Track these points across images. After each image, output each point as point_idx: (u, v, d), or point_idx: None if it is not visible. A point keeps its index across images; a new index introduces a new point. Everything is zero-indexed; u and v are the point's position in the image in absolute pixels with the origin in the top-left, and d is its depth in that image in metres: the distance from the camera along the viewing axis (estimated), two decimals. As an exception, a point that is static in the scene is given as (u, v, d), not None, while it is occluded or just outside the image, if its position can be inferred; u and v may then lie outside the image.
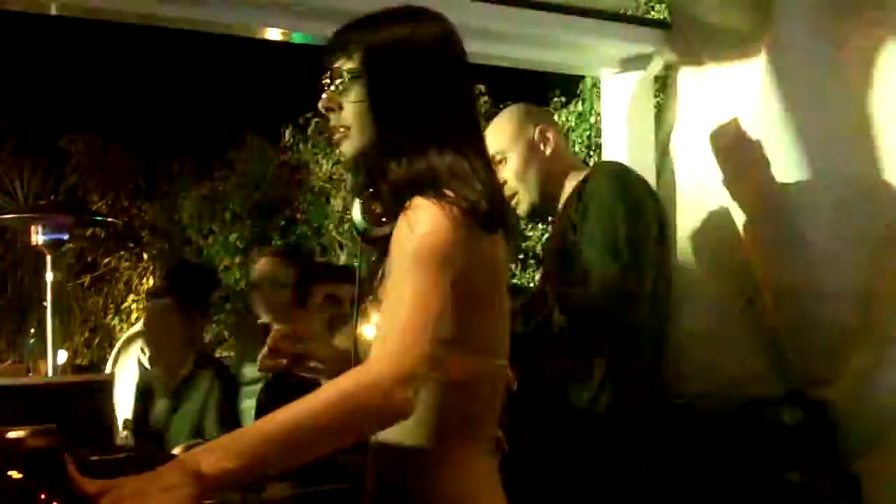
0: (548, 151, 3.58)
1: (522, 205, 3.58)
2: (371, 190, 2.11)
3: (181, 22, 3.72)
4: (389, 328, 1.88)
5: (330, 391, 1.81)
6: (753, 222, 3.81)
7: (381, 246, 2.10)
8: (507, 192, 3.50)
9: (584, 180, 3.49)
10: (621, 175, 3.52)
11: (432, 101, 2.08)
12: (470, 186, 1.96)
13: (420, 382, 1.86)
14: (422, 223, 1.93)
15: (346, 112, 2.09)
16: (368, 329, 2.17)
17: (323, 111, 2.11)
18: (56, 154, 21.22)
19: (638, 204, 3.40)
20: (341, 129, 2.11)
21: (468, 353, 2.06)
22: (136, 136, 21.32)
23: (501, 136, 3.57)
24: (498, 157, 3.51)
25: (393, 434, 2.00)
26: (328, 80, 2.11)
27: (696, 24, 4.07)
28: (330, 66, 2.12)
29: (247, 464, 1.73)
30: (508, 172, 3.54)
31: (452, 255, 1.94)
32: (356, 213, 2.13)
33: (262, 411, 4.46)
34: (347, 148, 2.11)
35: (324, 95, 2.10)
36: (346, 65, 2.09)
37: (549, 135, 3.60)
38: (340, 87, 2.09)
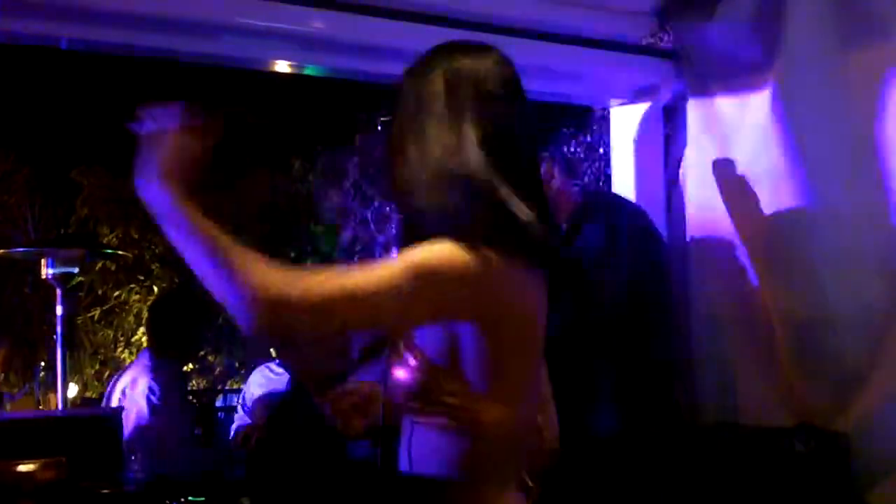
0: (554, 192, 3.66)
1: None
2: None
3: (193, 55, 3.75)
4: (329, 273, 1.91)
5: (244, 257, 1.89)
6: (764, 252, 3.81)
7: None
8: None
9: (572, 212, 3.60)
10: (588, 207, 3.63)
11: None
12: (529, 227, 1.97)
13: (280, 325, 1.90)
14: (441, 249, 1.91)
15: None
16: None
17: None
18: (66, 187, 21.28)
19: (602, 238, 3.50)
20: None
21: (500, 404, 2.02)
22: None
23: None
24: None
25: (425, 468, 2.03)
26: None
27: (703, 54, 4.07)
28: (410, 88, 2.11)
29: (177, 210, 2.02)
30: None
31: (450, 283, 1.92)
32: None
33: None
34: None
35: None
36: (431, 87, 2.07)
37: (555, 172, 3.68)
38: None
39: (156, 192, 2.01)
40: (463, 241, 1.92)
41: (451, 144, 2.01)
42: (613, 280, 3.44)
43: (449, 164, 1.99)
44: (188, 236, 1.98)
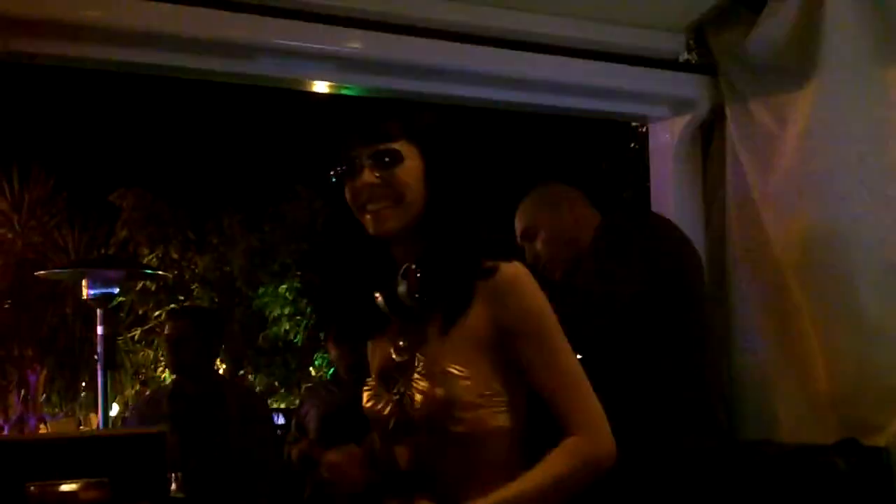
0: (574, 223, 3.68)
1: (556, 272, 3.67)
2: (414, 265, 2.27)
3: (230, 76, 3.77)
4: (580, 402, 2.24)
5: (555, 470, 2.17)
6: (804, 266, 3.78)
7: (421, 314, 2.29)
8: (542, 261, 3.69)
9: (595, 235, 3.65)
10: (609, 226, 3.64)
11: (474, 169, 2.37)
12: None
13: None
14: (534, 292, 2.27)
15: (397, 187, 2.27)
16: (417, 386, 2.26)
17: (368, 189, 2.28)
18: (106, 209, 21.49)
19: (621, 254, 3.50)
20: (390, 203, 2.28)
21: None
22: (186, 190, 21.53)
23: (532, 213, 3.74)
24: (531, 232, 3.70)
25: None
26: (374, 160, 2.29)
27: (742, 68, 4.06)
28: (369, 148, 2.30)
29: None
30: (540, 244, 3.67)
31: None
32: (402, 288, 2.27)
33: None
34: (396, 222, 2.28)
35: (370, 173, 2.28)
36: (394, 146, 2.29)
37: (577, 209, 3.72)
38: (391, 165, 2.28)
39: None
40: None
41: None
42: (641, 299, 3.42)
43: None
44: None
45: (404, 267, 2.26)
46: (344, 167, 2.31)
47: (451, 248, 2.26)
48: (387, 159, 2.27)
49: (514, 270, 2.25)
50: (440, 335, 2.24)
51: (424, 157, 2.30)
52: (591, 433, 2.19)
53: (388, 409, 2.29)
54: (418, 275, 2.24)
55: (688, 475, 3.40)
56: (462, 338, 2.22)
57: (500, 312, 2.22)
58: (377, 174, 2.26)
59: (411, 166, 2.28)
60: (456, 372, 2.19)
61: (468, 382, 2.18)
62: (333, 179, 2.33)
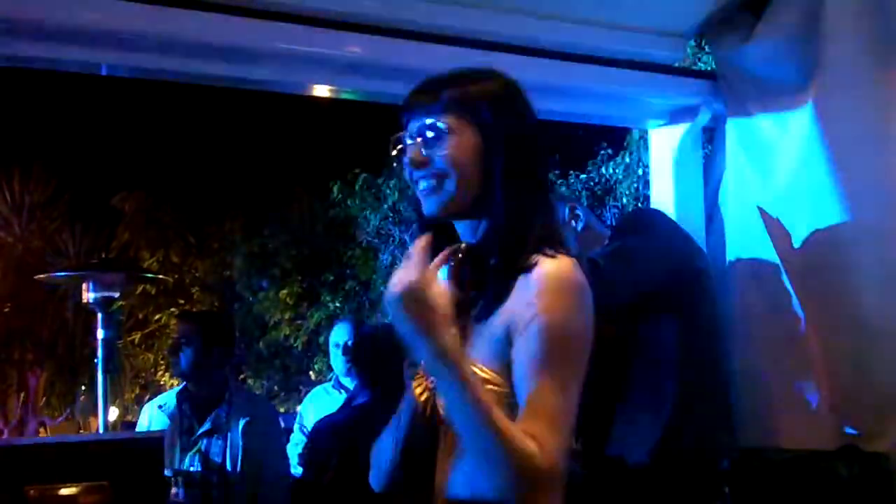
0: (579, 227, 3.73)
1: None
2: (460, 252, 2.12)
3: (231, 81, 3.77)
4: (539, 430, 1.95)
5: (505, 425, 1.91)
6: (804, 272, 3.79)
7: (467, 308, 2.12)
8: None
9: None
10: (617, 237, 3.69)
11: (536, 149, 2.17)
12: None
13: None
14: (557, 294, 2.01)
15: (441, 166, 2.10)
16: None
17: (413, 165, 2.12)
18: (108, 212, 21.51)
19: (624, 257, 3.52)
20: (433, 184, 2.12)
21: None
22: (187, 194, 21.54)
23: None
24: None
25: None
26: (418, 135, 2.13)
27: (742, 74, 4.06)
28: (415, 122, 2.15)
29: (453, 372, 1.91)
30: None
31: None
32: (443, 273, 2.10)
33: None
34: (438, 206, 2.13)
35: (414, 148, 2.12)
36: (439, 119, 2.12)
37: (579, 212, 3.79)
38: (435, 141, 2.11)
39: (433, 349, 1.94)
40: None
41: None
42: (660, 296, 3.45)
43: None
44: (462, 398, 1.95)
45: (450, 250, 2.11)
46: (399, 143, 2.15)
47: (502, 238, 2.08)
48: (430, 134, 2.10)
49: (550, 267, 2.03)
50: (475, 328, 2.10)
51: (482, 134, 2.11)
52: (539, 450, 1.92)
53: (425, 395, 2.15)
54: (453, 263, 2.08)
55: (691, 480, 3.41)
56: (491, 334, 2.06)
57: (514, 305, 2.04)
58: (423, 151, 2.10)
59: (461, 143, 2.09)
60: (478, 371, 2.02)
61: (491, 385, 2.02)
62: (395, 156, 2.17)
